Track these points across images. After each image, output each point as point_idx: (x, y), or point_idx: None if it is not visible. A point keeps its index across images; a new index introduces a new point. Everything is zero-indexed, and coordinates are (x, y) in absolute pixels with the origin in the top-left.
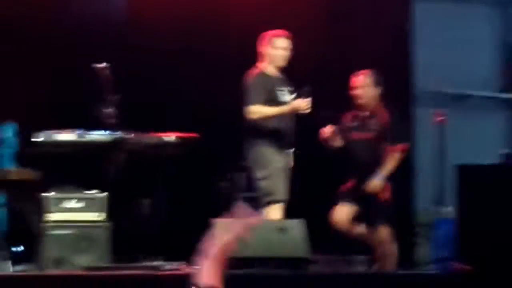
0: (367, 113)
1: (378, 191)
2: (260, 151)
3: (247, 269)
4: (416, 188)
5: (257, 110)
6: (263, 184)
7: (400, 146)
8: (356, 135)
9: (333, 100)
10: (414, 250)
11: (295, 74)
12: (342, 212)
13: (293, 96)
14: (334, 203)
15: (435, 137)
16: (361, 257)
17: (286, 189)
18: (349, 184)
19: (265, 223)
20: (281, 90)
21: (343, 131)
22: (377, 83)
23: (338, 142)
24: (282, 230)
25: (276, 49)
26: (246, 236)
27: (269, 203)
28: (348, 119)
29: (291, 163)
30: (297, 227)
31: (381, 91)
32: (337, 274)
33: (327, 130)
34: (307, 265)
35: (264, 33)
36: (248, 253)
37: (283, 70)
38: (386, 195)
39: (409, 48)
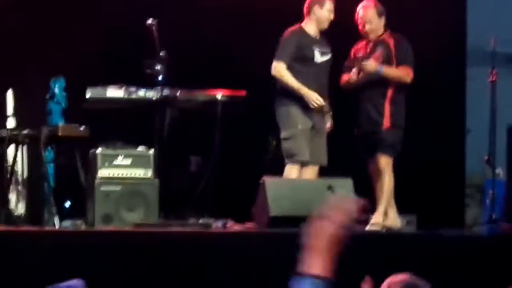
0: (373, 43)
1: (370, 71)
2: (286, 110)
3: (295, 228)
4: (467, 149)
5: (279, 69)
6: (286, 144)
7: (409, 69)
8: None
9: None
10: (464, 211)
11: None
12: None
13: (327, 57)
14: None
15: (487, 97)
16: (410, 217)
17: (311, 151)
18: None
19: (313, 181)
20: (318, 50)
21: (357, 63)
22: (381, 13)
23: (355, 77)
24: (330, 188)
25: (324, 11)
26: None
27: (291, 163)
28: (358, 51)
29: (327, 125)
30: (345, 185)
31: (385, 20)
32: (384, 234)
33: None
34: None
35: None
36: (296, 211)
37: (324, 32)
38: (386, 122)
39: (464, 5)
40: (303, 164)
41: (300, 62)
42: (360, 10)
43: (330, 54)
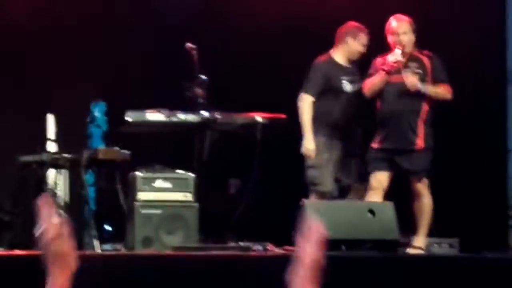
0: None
1: (411, 86)
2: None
3: (336, 251)
4: (509, 169)
5: (302, 102)
6: (310, 172)
7: (448, 87)
8: (397, 78)
9: None
10: (508, 233)
11: None
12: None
13: (356, 86)
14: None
15: None
16: (452, 240)
17: (347, 173)
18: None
19: (354, 204)
20: (346, 80)
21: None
22: (414, 29)
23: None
24: (371, 211)
25: (357, 43)
26: None
27: (314, 192)
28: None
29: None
30: (387, 209)
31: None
32: (427, 257)
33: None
34: (397, 247)
35: (350, 23)
36: (337, 235)
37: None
38: (421, 142)
39: (504, 24)
40: (323, 195)
41: (328, 93)
42: (393, 21)
43: (360, 83)
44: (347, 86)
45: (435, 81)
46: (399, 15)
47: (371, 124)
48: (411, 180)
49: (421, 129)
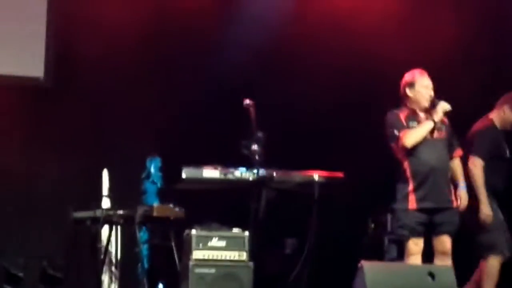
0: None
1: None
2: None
3: None
4: None
5: (473, 165)
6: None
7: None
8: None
9: None
10: None
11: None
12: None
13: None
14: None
15: None
16: None
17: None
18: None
19: (414, 267)
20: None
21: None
22: None
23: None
24: (431, 275)
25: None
26: None
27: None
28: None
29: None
30: (447, 272)
31: None
32: None
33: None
34: None
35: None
36: None
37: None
38: (454, 200)
39: None
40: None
41: (495, 159)
42: (422, 75)
43: None
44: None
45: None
46: (422, 70)
47: None
48: (442, 240)
49: (451, 187)
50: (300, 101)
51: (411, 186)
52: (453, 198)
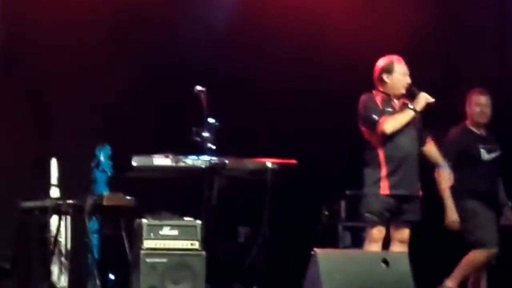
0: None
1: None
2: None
3: None
4: None
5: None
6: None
7: None
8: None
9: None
10: None
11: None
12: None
13: (494, 155)
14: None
15: None
16: None
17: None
18: None
19: (368, 254)
20: (482, 148)
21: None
22: None
23: None
24: (385, 262)
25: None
26: None
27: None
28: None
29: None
30: (401, 259)
31: None
32: None
33: None
34: None
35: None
36: (349, 285)
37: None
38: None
39: None
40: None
41: (469, 162)
42: (399, 62)
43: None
44: (486, 155)
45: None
46: (399, 56)
47: None
48: (402, 228)
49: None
50: (252, 88)
51: (384, 172)
52: (420, 186)
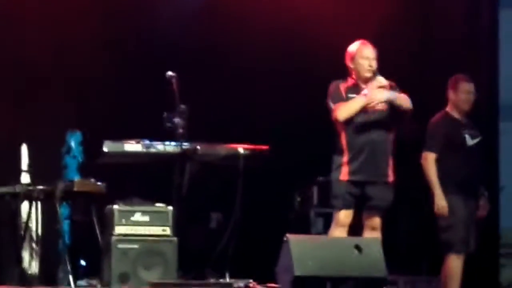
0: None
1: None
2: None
3: None
4: (501, 206)
5: (423, 160)
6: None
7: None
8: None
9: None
10: (499, 271)
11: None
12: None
13: (477, 140)
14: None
15: None
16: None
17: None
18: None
19: (340, 240)
20: (467, 134)
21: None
22: None
23: None
24: (358, 248)
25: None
26: None
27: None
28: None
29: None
30: (374, 245)
31: None
32: None
33: None
34: (384, 286)
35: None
36: (322, 272)
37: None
38: (391, 175)
39: (497, 60)
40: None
41: (452, 148)
42: (364, 46)
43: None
44: (469, 141)
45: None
46: (365, 41)
47: None
48: (372, 215)
49: (391, 161)
50: (224, 73)
51: (346, 158)
52: (390, 172)
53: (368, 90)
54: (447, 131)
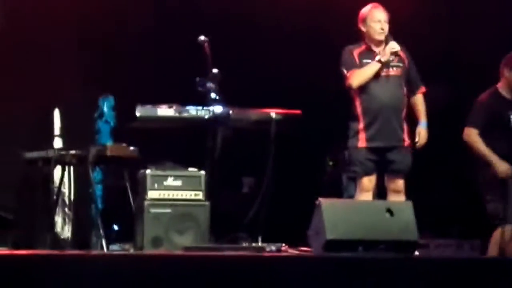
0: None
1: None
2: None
3: (352, 252)
4: None
5: (466, 136)
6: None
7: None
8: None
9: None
10: None
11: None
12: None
13: None
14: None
15: None
16: (474, 242)
17: None
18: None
19: (372, 203)
20: None
21: None
22: None
23: None
24: (390, 211)
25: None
26: None
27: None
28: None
29: None
30: (405, 209)
31: None
32: (447, 259)
33: None
34: (415, 249)
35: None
36: (354, 235)
37: None
38: (407, 139)
39: None
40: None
41: (497, 128)
42: (375, 9)
43: None
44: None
45: (411, 81)
46: (377, 4)
47: None
48: (395, 178)
49: (405, 126)
50: (257, 38)
51: (361, 124)
52: (406, 137)
53: (382, 57)
54: (494, 109)
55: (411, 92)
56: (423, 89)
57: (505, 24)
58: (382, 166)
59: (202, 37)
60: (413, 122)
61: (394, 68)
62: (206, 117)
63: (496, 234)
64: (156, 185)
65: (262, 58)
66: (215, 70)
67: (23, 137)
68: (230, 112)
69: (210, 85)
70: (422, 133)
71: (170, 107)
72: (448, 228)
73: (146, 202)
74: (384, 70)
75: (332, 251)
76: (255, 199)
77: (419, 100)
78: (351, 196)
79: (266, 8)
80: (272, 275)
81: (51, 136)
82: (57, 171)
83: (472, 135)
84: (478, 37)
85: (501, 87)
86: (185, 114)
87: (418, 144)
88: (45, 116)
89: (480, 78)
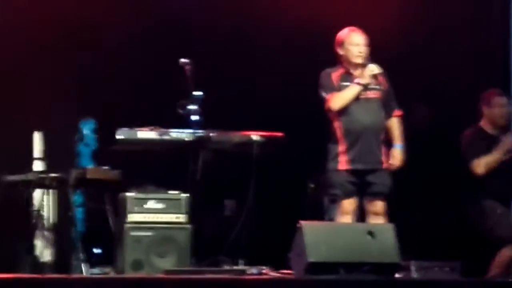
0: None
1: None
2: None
3: (334, 275)
4: None
5: (477, 166)
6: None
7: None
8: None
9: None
10: None
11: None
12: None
13: (508, 156)
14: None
15: None
16: (454, 264)
17: None
18: None
19: (353, 226)
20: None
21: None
22: None
23: None
24: (371, 234)
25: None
26: None
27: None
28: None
29: None
30: (387, 231)
31: None
32: (427, 281)
33: None
34: (397, 271)
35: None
36: (336, 258)
37: None
38: (385, 161)
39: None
40: None
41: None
42: (354, 33)
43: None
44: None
45: (387, 103)
46: (355, 28)
47: None
48: (375, 200)
49: (383, 148)
50: (238, 60)
51: (342, 147)
52: (384, 159)
53: (362, 80)
54: (482, 145)
55: (387, 114)
56: (398, 112)
57: (479, 47)
58: (362, 188)
59: (183, 60)
60: (388, 144)
61: (373, 91)
62: (187, 139)
63: (504, 253)
64: (136, 208)
65: (244, 81)
66: (196, 93)
67: (3, 160)
68: (212, 134)
69: (191, 107)
70: (396, 155)
71: (151, 130)
72: (430, 250)
73: (126, 225)
74: (363, 93)
75: (313, 274)
76: (236, 222)
77: (394, 123)
78: (332, 219)
79: (248, 32)
80: None
81: (31, 159)
82: (37, 194)
83: (481, 163)
84: (455, 63)
85: (483, 124)
86: (166, 137)
87: (392, 166)
88: (25, 139)
89: (459, 100)
